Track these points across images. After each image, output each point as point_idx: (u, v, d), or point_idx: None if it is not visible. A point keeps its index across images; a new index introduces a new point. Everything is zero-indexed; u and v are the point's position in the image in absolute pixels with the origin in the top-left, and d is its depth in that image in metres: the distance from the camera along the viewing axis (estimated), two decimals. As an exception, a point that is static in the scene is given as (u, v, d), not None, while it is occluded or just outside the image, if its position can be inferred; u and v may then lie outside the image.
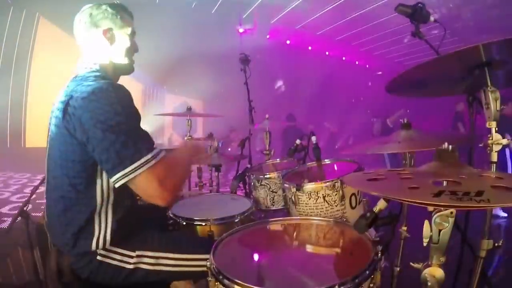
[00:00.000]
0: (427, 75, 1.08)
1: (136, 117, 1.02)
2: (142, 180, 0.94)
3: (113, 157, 0.92)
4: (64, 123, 0.97)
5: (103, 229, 1.03)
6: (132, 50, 1.20)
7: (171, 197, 0.98)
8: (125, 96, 1.00)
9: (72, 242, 1.02)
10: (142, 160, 0.93)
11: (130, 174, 0.92)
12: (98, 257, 1.03)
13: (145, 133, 1.01)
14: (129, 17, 1.18)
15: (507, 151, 3.80)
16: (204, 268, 0.89)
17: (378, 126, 7.88)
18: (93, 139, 0.93)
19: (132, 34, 1.19)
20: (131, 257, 1.07)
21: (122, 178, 0.92)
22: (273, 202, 1.64)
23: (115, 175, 0.93)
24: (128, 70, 1.21)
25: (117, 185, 0.94)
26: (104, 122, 0.92)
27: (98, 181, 1.01)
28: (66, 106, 0.97)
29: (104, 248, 1.04)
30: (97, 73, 1.07)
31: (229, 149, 5.98)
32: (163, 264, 1.09)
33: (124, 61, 1.18)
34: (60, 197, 1.02)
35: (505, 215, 3.46)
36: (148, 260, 1.08)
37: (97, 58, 1.12)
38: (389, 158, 5.49)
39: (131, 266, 1.06)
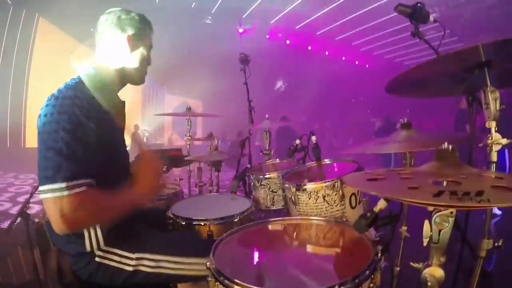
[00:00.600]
0: (427, 75, 1.08)
1: (81, 142, 0.92)
2: (46, 205, 0.88)
3: (39, 169, 0.90)
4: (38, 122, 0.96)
5: (92, 229, 1.02)
6: (146, 62, 1.20)
7: (68, 231, 0.89)
8: (86, 113, 0.94)
9: (66, 242, 1.02)
10: (52, 186, 0.87)
11: (41, 193, 0.88)
12: (97, 258, 1.03)
13: (77, 161, 0.90)
14: (150, 30, 1.20)
15: (506, 153, 3.75)
16: (205, 272, 0.88)
17: (380, 125, 7.87)
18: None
19: (150, 47, 1.20)
20: (131, 259, 1.06)
21: (40, 193, 0.89)
22: (273, 202, 1.64)
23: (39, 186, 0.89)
24: (139, 80, 1.21)
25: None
26: (44, 133, 0.90)
27: None
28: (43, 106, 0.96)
29: (100, 249, 1.03)
30: (86, 78, 1.04)
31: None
32: (164, 267, 1.08)
33: (138, 70, 1.18)
34: None
35: (500, 212, 3.46)
36: (148, 263, 1.07)
37: (107, 61, 1.12)
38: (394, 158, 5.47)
39: (130, 268, 1.06)
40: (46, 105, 0.93)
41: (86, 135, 0.93)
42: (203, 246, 1.11)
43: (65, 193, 0.87)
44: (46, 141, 0.89)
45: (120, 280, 1.06)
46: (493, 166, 0.98)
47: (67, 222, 0.87)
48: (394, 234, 0.99)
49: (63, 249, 1.06)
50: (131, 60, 1.15)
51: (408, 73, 1.02)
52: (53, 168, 0.88)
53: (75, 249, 1.02)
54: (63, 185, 0.87)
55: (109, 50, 1.12)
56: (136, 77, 1.19)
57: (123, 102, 1.21)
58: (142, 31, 1.15)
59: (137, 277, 1.07)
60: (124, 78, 1.17)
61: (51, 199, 0.86)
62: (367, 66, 12.45)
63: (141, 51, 1.16)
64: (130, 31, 1.12)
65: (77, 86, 1.00)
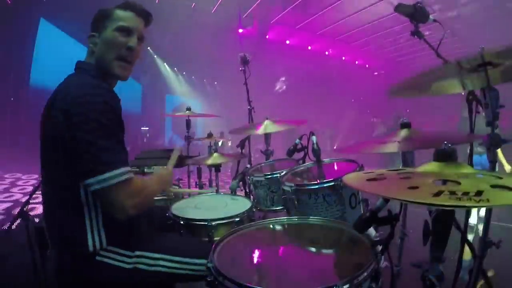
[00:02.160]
0: (428, 79, 1.08)
1: (119, 125, 1.00)
2: (107, 192, 0.93)
3: (87, 162, 0.92)
4: (50, 119, 0.97)
5: (96, 230, 1.02)
6: (134, 57, 1.14)
7: (132, 214, 0.98)
8: (111, 100, 0.99)
9: (67, 242, 1.02)
10: (118, 171, 0.93)
11: (100, 183, 0.91)
12: (97, 257, 1.03)
13: (122, 146, 1.01)
14: (140, 23, 1.14)
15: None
16: (203, 273, 0.88)
17: (381, 127, 7.84)
18: (73, 140, 0.92)
19: (138, 40, 1.13)
20: (130, 257, 1.06)
21: (93, 185, 0.92)
22: (273, 202, 1.64)
23: (86, 180, 0.92)
24: (123, 77, 1.15)
25: (90, 190, 0.94)
26: (86, 124, 0.92)
27: (81, 183, 0.98)
28: (54, 102, 0.97)
29: (102, 249, 1.03)
30: (91, 72, 1.07)
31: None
32: (162, 265, 1.09)
33: (123, 68, 1.12)
34: (51, 197, 1.03)
35: None
36: (147, 260, 1.08)
37: (96, 59, 1.12)
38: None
39: (129, 266, 1.06)
40: (76, 98, 0.94)
41: (120, 123, 1.01)
42: (203, 247, 1.11)
43: (131, 175, 0.96)
44: (97, 130, 0.92)
45: (118, 278, 1.06)
46: (494, 166, 0.98)
47: (131, 204, 0.96)
48: (394, 234, 0.99)
49: (63, 250, 1.05)
50: (116, 59, 1.10)
51: (408, 80, 1.02)
52: (117, 153, 0.95)
53: (76, 251, 1.02)
54: (128, 168, 0.96)
55: (95, 48, 1.11)
56: (122, 75, 1.13)
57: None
58: (126, 24, 1.10)
59: (136, 275, 1.07)
60: (112, 75, 1.13)
61: (118, 185, 0.93)
62: (367, 66, 12.44)
63: (126, 46, 1.10)
64: (109, 27, 1.09)
65: (95, 81, 1.03)
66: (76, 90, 0.96)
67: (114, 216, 1.00)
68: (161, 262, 1.09)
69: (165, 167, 1.33)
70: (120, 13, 1.11)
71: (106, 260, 1.04)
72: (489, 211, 1.05)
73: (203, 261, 0.89)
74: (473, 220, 3.12)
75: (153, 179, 1.18)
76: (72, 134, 0.92)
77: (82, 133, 0.92)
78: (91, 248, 1.01)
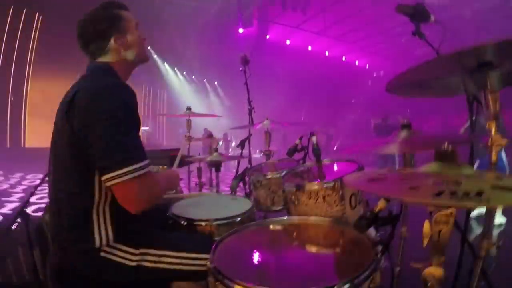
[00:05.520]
0: (427, 75, 1.08)
1: (136, 122, 1.05)
2: (125, 186, 0.96)
3: (107, 157, 0.95)
4: (67, 115, 0.99)
5: (102, 225, 1.03)
6: (141, 40, 1.23)
7: (145, 208, 1.01)
8: (130, 98, 1.04)
9: (73, 237, 1.02)
10: (133, 167, 0.95)
11: (119, 177, 0.94)
12: (102, 253, 1.03)
13: (140, 141, 1.04)
14: (120, 10, 1.20)
15: (503, 155, 3.61)
16: (205, 268, 0.89)
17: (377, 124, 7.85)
18: (92, 135, 0.96)
19: (137, 26, 1.23)
20: (134, 254, 1.07)
21: (112, 179, 0.95)
22: (273, 202, 1.64)
23: (105, 174, 0.96)
24: (141, 61, 1.25)
25: (107, 184, 0.97)
26: (105, 120, 0.95)
27: (96, 178, 1.01)
28: (72, 99, 0.99)
29: (108, 245, 1.04)
30: (106, 71, 1.12)
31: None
32: (166, 262, 1.09)
33: (136, 52, 1.21)
34: (61, 190, 1.04)
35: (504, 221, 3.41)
36: (151, 258, 1.09)
37: (107, 57, 1.16)
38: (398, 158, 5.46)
39: (133, 263, 1.06)
40: (93, 97, 0.98)
41: (137, 118, 1.05)
42: (205, 243, 1.12)
43: (146, 170, 0.98)
44: (112, 127, 0.96)
45: (121, 275, 1.06)
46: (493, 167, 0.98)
47: (144, 199, 1.00)
48: (394, 234, 0.99)
49: (67, 246, 1.06)
50: (125, 48, 1.17)
51: (408, 73, 1.02)
52: (132, 149, 0.98)
53: (82, 244, 1.03)
54: (144, 163, 0.98)
55: (102, 48, 1.16)
56: (137, 61, 1.23)
57: None
58: (122, 18, 1.17)
59: (139, 272, 1.07)
60: (127, 66, 1.21)
61: (131, 180, 0.95)
62: (367, 66, 12.46)
63: (129, 35, 1.18)
64: (111, 24, 1.14)
65: (111, 78, 1.08)
66: (95, 89, 1.00)
67: (122, 212, 1.01)
68: (165, 259, 1.09)
69: (172, 168, 1.45)
70: (127, 13, 1.21)
71: (110, 256, 1.04)
72: (490, 212, 1.05)
73: (205, 255, 0.91)
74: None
75: (162, 176, 1.25)
76: (91, 131, 0.96)
77: (100, 129, 0.95)
78: (97, 243, 1.02)
